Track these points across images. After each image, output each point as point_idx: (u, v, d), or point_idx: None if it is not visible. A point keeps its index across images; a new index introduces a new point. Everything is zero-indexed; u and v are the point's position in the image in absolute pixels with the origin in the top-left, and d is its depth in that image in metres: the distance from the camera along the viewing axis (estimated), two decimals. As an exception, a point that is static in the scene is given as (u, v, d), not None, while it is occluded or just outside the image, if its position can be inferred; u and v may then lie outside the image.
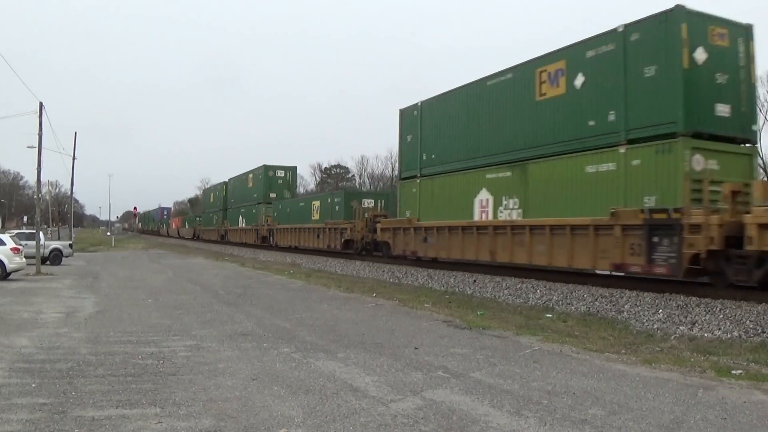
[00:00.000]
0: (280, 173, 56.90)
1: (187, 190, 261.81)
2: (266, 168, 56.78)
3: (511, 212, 21.00)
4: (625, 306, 15.80)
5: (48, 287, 22.16)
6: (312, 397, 7.81)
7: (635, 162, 16.26)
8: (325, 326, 13.50)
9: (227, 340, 11.67)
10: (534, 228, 19.75)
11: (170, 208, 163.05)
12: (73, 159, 58.75)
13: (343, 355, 10.45)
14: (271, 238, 51.48)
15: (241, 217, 62.05)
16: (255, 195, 58.25)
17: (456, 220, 23.88)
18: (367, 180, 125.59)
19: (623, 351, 11.04)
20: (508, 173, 21.17)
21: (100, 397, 7.73)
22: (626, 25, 16.76)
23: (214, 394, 7.91)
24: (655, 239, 15.45)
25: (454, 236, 24.07)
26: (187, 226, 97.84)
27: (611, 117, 17.07)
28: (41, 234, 33.49)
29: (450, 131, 24.96)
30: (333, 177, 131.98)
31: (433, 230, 25.63)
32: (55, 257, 36.14)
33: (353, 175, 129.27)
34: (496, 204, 21.72)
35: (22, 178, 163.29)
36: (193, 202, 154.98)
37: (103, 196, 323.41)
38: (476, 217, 22.74)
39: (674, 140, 15.29)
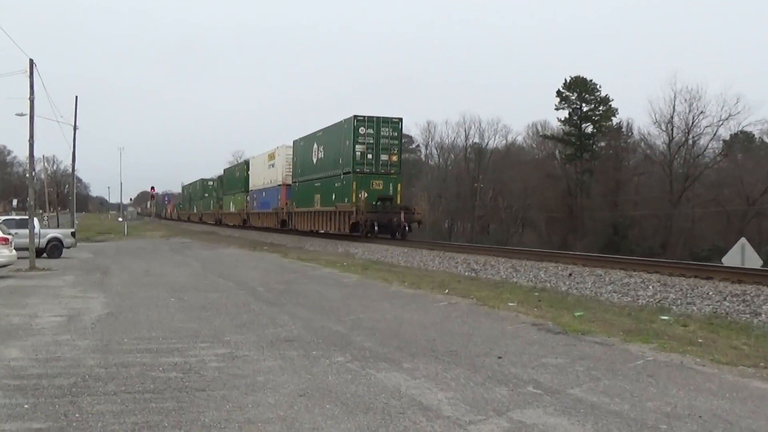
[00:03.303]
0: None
1: (216, 166, 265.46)
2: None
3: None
4: (764, 307, 15.33)
5: (45, 285, 22.31)
6: (373, 418, 7.74)
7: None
8: (388, 330, 13.48)
9: (268, 348, 11.72)
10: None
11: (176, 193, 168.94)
12: (75, 129, 59.00)
13: (410, 365, 10.38)
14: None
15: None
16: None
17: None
18: (435, 151, 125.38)
19: (762, 364, 10.67)
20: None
21: (111, 420, 7.72)
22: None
23: (253, 414, 7.90)
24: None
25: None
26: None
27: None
28: (36, 220, 33.59)
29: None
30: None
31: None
32: (53, 249, 36.55)
33: (418, 146, 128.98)
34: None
35: (9, 153, 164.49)
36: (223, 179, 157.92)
37: (112, 175, 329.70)
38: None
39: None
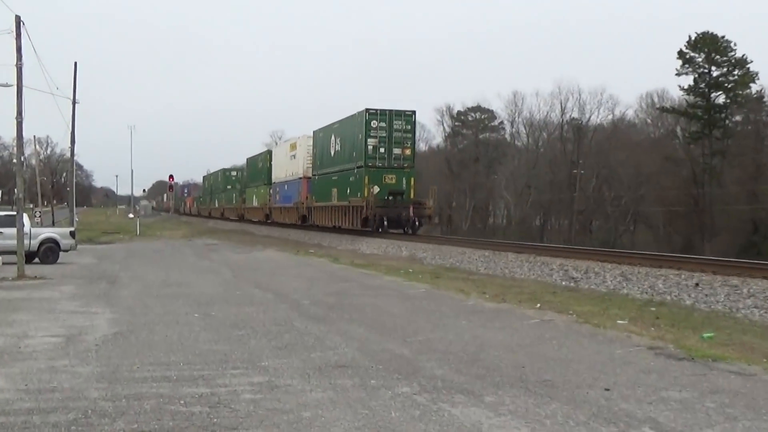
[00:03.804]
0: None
1: (251, 150, 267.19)
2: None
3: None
4: None
5: (37, 297, 22.39)
6: (446, 466, 7.69)
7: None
8: (464, 354, 13.44)
9: (315, 375, 11.73)
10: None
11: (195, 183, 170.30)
12: (74, 103, 59.00)
13: (494, 398, 10.31)
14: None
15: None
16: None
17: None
18: (522, 128, 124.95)
19: None
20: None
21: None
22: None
23: (297, 459, 7.89)
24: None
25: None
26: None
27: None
28: (25, 217, 33.51)
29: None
30: (470, 125, 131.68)
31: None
32: (47, 252, 36.66)
33: (501, 122, 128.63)
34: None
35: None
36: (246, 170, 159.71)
37: (121, 161, 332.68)
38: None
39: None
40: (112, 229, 79.17)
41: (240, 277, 29.01)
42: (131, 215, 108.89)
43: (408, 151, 54.15)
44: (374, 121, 53.94)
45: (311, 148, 67.83)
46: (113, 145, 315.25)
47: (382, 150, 53.33)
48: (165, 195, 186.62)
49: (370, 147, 53.22)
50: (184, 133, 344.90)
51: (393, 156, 53.48)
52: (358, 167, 54.23)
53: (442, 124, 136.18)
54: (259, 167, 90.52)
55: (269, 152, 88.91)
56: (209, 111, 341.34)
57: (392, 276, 28.40)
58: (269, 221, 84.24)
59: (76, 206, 70.43)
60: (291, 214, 74.12)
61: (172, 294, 23.04)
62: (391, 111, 54.84)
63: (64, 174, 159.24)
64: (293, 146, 74.02)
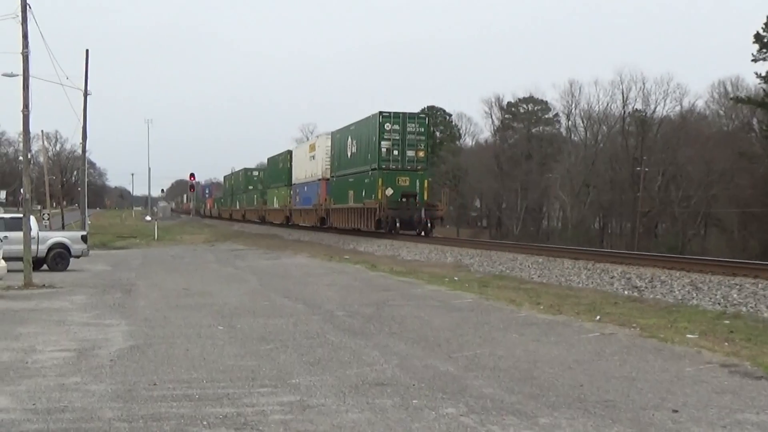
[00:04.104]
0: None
1: (278, 146, 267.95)
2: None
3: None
4: None
5: (46, 308, 22.42)
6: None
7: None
8: (516, 371, 13.41)
9: (351, 394, 11.73)
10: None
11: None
12: (85, 95, 59.58)
13: (549, 419, 10.30)
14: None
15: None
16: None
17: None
18: (579, 121, 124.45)
19: None
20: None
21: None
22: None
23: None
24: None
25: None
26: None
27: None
28: (32, 220, 33.75)
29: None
30: (521, 117, 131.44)
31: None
32: (56, 258, 37.09)
33: (557, 115, 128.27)
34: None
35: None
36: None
37: (137, 159, 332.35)
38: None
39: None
40: (128, 233, 79.68)
41: (268, 285, 29.07)
42: (148, 218, 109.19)
43: (421, 154, 59.54)
44: (387, 124, 58.91)
45: (329, 149, 72.24)
46: (129, 141, 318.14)
47: (395, 152, 58.44)
48: (185, 195, 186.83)
49: (383, 149, 58.28)
50: (206, 128, 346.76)
51: (406, 158, 58.49)
52: (372, 169, 59.19)
53: (491, 117, 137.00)
54: (280, 167, 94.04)
55: (289, 152, 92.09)
56: (234, 105, 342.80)
57: (436, 285, 28.37)
58: (290, 223, 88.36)
59: (88, 208, 71.06)
60: (310, 216, 79.00)
61: (194, 304, 23.11)
62: (404, 113, 60.68)
63: (75, 172, 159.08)
64: (312, 147, 79.06)
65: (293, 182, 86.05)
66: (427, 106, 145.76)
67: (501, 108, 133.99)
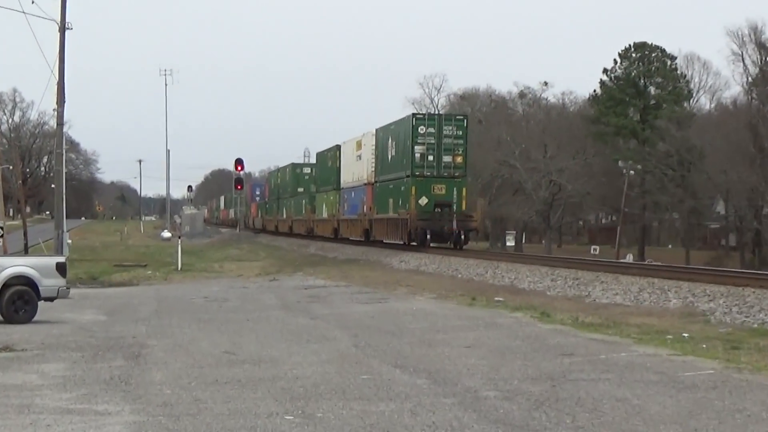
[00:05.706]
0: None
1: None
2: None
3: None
4: None
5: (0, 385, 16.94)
6: None
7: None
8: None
9: None
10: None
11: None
12: (62, 31, 49.86)
13: None
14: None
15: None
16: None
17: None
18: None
19: None
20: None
21: None
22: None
23: None
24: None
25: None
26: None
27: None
28: None
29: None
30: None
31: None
32: (16, 302, 28.01)
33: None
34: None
35: None
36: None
37: (148, 140, 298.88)
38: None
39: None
40: (133, 259, 64.97)
41: (367, 347, 22.62)
42: (166, 233, 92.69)
43: (459, 159, 58.93)
44: (422, 127, 58.94)
45: (374, 148, 69.61)
46: (134, 109, 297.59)
47: (430, 158, 58.20)
48: (222, 198, 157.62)
49: (417, 155, 58.06)
50: (248, 105, 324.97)
51: (443, 164, 58.15)
52: (406, 176, 59.32)
53: (742, 61, 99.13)
54: (329, 166, 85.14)
55: (338, 147, 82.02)
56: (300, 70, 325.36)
57: (650, 346, 22.32)
58: (338, 237, 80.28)
59: (67, 217, 61.56)
60: (356, 228, 75.51)
61: (245, 379, 17.44)
62: (440, 115, 64.46)
63: (46, 158, 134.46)
64: (359, 144, 74.44)
65: (341, 186, 79.70)
66: (633, 43, 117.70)
67: (760, 46, 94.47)
